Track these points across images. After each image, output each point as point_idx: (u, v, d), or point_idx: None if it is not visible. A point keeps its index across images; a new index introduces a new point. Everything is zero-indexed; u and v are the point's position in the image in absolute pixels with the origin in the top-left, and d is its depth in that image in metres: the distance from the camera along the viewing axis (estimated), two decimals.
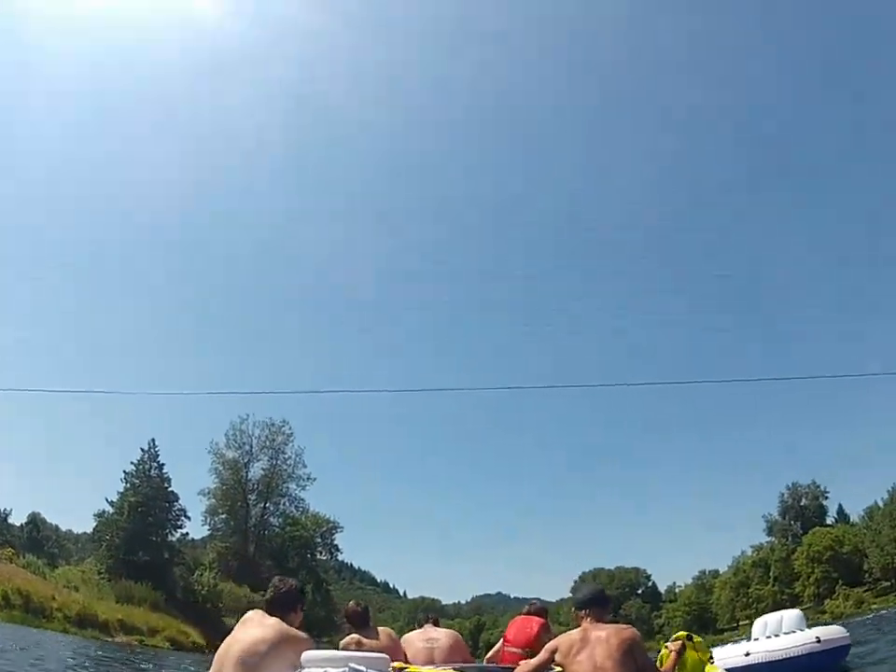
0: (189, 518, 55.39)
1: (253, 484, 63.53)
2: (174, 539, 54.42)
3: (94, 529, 52.99)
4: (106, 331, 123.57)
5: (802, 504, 79.22)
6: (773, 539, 79.36)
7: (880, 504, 67.63)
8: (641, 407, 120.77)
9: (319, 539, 65.97)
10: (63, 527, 79.65)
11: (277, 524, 64.86)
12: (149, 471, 51.90)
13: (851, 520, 75.49)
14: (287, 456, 63.27)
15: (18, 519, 69.40)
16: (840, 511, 79.52)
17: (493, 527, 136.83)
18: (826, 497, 79.07)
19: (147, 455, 51.81)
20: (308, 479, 64.00)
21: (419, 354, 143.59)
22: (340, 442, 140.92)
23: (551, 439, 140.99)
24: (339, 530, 66.24)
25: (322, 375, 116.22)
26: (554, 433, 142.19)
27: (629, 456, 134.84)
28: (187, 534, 57.14)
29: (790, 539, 76.95)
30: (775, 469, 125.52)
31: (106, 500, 51.92)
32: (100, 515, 52.08)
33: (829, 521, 77.98)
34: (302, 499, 64.37)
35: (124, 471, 51.32)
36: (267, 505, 63.99)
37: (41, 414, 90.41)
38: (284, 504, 64.56)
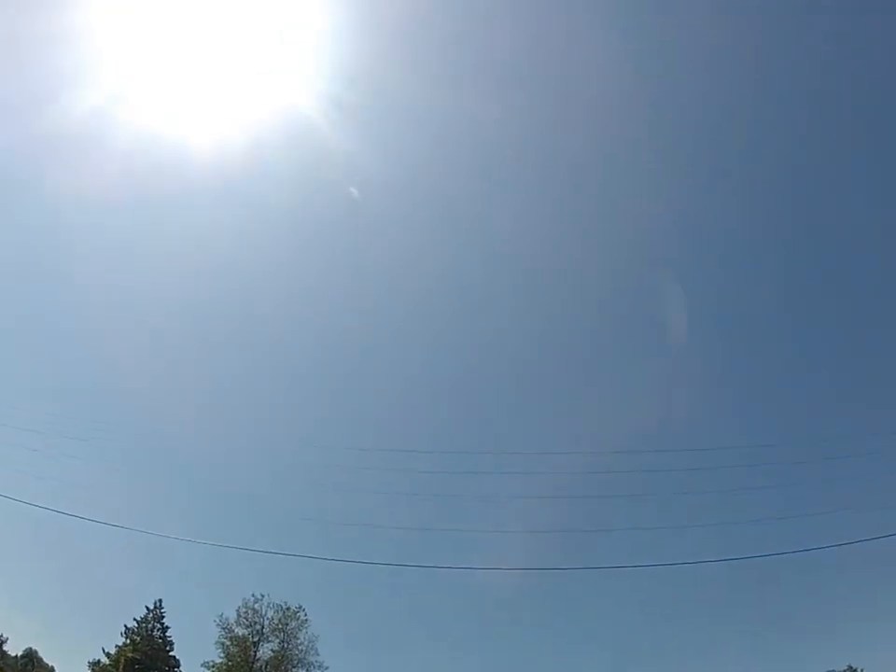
0: None
1: (261, 665, 59.70)
2: None
3: None
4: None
5: None
6: None
7: None
8: None
9: None
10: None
11: None
12: (152, 631, 49.44)
13: None
14: (299, 641, 59.64)
15: (14, 649, 65.03)
16: None
17: None
18: None
19: (151, 615, 49.79)
20: (320, 667, 59.65)
21: None
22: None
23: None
24: None
25: None
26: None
27: None
28: None
29: None
30: None
31: (103, 651, 49.34)
32: (95, 664, 49.39)
33: None
34: None
35: (125, 626, 49.31)
36: None
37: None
38: None
